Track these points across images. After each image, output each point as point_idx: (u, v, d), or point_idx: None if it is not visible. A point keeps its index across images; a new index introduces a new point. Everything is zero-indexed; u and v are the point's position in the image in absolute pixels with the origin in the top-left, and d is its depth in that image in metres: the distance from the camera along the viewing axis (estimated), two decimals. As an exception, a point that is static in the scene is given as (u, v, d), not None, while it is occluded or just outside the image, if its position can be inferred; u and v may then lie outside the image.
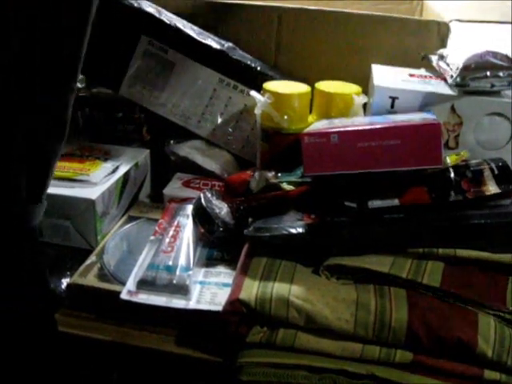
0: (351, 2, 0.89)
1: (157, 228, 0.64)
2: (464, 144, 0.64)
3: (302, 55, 0.81)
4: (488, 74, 0.61)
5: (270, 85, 0.71)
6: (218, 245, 0.63)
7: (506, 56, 0.62)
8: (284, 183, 0.60)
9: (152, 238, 0.63)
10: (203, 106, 0.79)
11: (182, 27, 0.77)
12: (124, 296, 0.55)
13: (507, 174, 0.55)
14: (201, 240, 0.63)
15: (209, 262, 0.61)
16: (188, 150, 0.78)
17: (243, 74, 0.77)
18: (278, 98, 0.68)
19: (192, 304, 0.55)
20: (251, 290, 0.50)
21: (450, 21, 0.75)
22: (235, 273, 0.55)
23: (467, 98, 0.63)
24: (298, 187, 0.59)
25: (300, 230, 0.53)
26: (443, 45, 0.74)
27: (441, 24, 0.75)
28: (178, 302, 0.55)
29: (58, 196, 0.63)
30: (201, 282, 0.58)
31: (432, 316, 0.48)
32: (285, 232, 0.53)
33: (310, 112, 0.73)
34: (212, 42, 0.78)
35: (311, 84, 0.72)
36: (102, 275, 0.59)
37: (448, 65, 0.65)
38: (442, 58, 0.68)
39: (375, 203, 0.54)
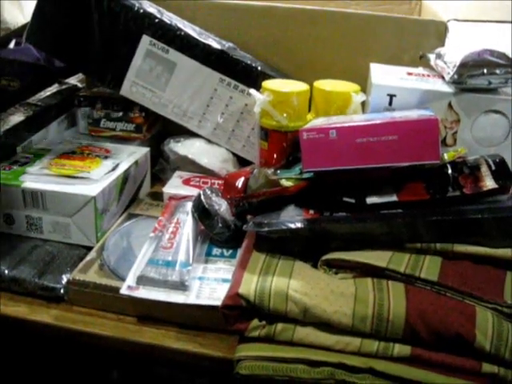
0: (350, 3, 0.90)
1: (156, 225, 0.65)
2: (462, 141, 0.65)
3: (301, 54, 0.81)
4: (485, 71, 0.61)
5: (269, 83, 0.72)
6: (217, 241, 0.63)
7: (503, 54, 0.62)
8: (283, 180, 0.60)
9: (152, 234, 0.63)
10: (204, 106, 0.80)
11: (182, 27, 0.77)
12: (124, 291, 0.55)
13: (504, 170, 0.55)
14: (200, 236, 0.64)
15: (208, 258, 0.61)
16: (188, 148, 0.79)
17: (244, 74, 0.78)
18: (277, 97, 0.69)
19: (191, 299, 0.55)
20: (250, 284, 0.51)
21: (448, 20, 0.76)
22: (234, 268, 0.56)
23: (464, 96, 0.64)
24: (297, 183, 0.59)
25: (299, 224, 0.53)
26: (441, 44, 0.75)
27: (439, 23, 0.76)
28: (177, 297, 0.55)
29: (58, 193, 0.64)
30: (200, 278, 0.58)
31: (430, 310, 0.48)
32: (284, 227, 0.53)
33: (309, 110, 0.73)
34: (213, 41, 0.78)
35: (310, 83, 0.72)
36: (102, 271, 0.60)
37: (445, 63, 0.65)
38: (439, 56, 0.68)
39: (373, 199, 0.55)
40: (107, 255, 0.62)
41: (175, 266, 0.57)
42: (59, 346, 0.59)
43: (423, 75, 0.70)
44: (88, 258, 0.62)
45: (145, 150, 0.78)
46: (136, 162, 0.74)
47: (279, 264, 0.53)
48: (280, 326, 0.50)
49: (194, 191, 0.71)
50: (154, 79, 0.78)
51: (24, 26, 0.80)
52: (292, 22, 0.80)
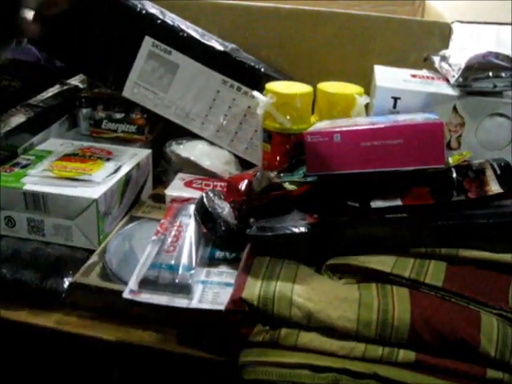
0: (353, 4, 0.90)
1: (159, 228, 0.64)
2: (466, 144, 0.64)
3: (305, 56, 0.81)
4: (490, 74, 0.61)
5: (272, 85, 0.71)
6: (220, 244, 0.63)
7: (508, 57, 0.62)
8: (286, 183, 0.59)
9: (154, 237, 0.63)
10: (207, 108, 0.79)
11: (185, 28, 0.77)
12: (126, 295, 0.55)
13: (509, 174, 0.55)
14: (203, 239, 0.63)
15: (211, 261, 0.61)
16: (190, 150, 0.79)
17: (247, 76, 0.78)
18: (281, 99, 0.69)
19: (194, 303, 0.54)
20: (254, 288, 0.50)
21: (452, 22, 0.76)
22: (237, 272, 0.55)
23: (469, 99, 0.63)
24: (301, 187, 0.59)
25: (302, 229, 0.53)
26: (445, 46, 0.75)
27: (443, 25, 0.75)
28: (180, 302, 0.54)
29: (60, 195, 0.63)
30: (203, 282, 0.57)
31: (434, 315, 0.48)
32: (287, 231, 0.53)
33: (313, 113, 0.73)
34: (215, 43, 0.78)
35: (313, 85, 0.72)
36: (105, 274, 0.59)
37: (450, 65, 0.65)
38: (444, 58, 0.68)
39: (378, 203, 0.54)
40: (109, 258, 0.62)
41: (178, 270, 0.57)
42: (61, 349, 0.59)
43: (427, 77, 0.69)
44: (90, 261, 0.62)
45: (147, 151, 0.78)
46: (138, 164, 0.74)
47: (283, 269, 0.53)
48: (284, 330, 0.50)
49: (196, 193, 0.71)
50: (156, 81, 0.78)
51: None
52: (295, 23, 0.80)
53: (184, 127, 0.80)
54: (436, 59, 0.70)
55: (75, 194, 0.63)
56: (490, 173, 0.55)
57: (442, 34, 0.75)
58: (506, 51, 0.63)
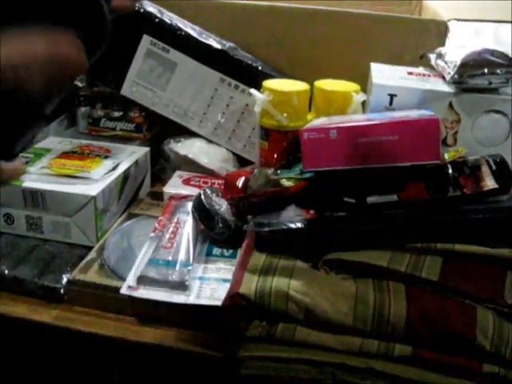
0: (351, 3, 0.90)
1: (157, 225, 0.65)
2: (462, 141, 0.65)
3: (302, 54, 0.82)
4: (485, 71, 0.61)
5: (269, 83, 0.72)
6: (217, 241, 0.63)
7: (504, 54, 0.62)
8: (283, 180, 0.60)
9: (152, 234, 0.63)
10: (205, 106, 0.80)
11: (183, 27, 0.77)
12: (124, 291, 0.55)
13: (505, 170, 0.55)
14: (200, 236, 0.64)
15: (208, 258, 0.61)
16: (188, 148, 0.79)
17: (244, 74, 0.78)
18: (278, 96, 0.69)
19: (192, 299, 0.55)
20: (251, 283, 0.51)
21: (449, 20, 0.76)
22: (235, 268, 0.56)
23: (465, 96, 0.64)
24: (298, 183, 0.59)
25: (299, 224, 0.53)
26: (442, 44, 0.75)
27: (439, 23, 0.76)
28: (177, 298, 0.55)
29: (58, 193, 0.64)
30: (200, 278, 0.58)
31: (431, 310, 0.48)
32: (284, 227, 0.53)
33: (309, 110, 0.73)
34: (213, 41, 0.78)
35: (311, 83, 0.72)
36: (103, 271, 0.60)
37: (446, 62, 0.65)
38: (440, 56, 0.68)
39: (374, 199, 0.55)
40: (107, 255, 0.62)
41: (175, 266, 0.57)
42: (59, 345, 0.59)
43: (424, 75, 0.70)
44: (88, 257, 0.62)
45: (145, 149, 0.78)
46: (136, 162, 0.74)
47: (280, 264, 0.53)
48: (281, 325, 0.50)
49: (194, 191, 0.71)
50: (154, 79, 0.78)
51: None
52: (293, 22, 0.81)
53: (182, 125, 0.80)
54: (432, 57, 0.70)
55: (73, 191, 0.64)
56: (485, 169, 0.55)
57: (438, 31, 0.76)
58: (506, 49, 0.64)
